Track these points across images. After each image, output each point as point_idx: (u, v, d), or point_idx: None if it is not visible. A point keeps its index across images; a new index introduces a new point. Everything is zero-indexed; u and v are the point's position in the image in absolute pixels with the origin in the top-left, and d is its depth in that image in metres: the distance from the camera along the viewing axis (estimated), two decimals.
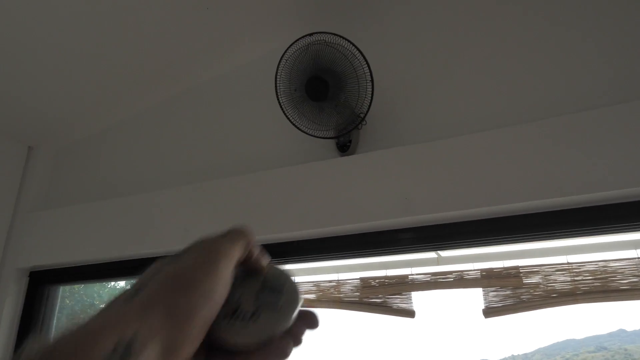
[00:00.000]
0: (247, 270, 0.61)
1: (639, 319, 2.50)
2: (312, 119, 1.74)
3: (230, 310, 0.55)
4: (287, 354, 0.55)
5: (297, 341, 0.57)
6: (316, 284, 3.67)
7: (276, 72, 1.74)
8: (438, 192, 1.61)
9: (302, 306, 0.60)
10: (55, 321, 2.62)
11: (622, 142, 1.46)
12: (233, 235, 0.59)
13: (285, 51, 1.71)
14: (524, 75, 1.73)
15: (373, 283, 3.44)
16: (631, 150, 1.44)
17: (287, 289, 0.61)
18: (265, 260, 0.64)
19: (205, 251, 0.55)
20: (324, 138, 1.75)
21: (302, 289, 3.18)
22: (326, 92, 1.67)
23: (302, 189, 1.81)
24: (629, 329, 2.61)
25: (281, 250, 1.87)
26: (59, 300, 2.57)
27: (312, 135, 1.74)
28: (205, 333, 0.51)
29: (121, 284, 3.02)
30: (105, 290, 2.98)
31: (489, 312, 2.95)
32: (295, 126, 1.74)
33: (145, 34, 2.12)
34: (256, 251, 0.62)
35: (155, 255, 2.25)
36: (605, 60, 1.66)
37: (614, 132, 1.48)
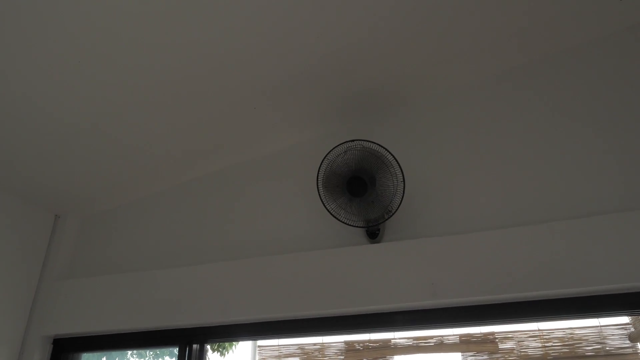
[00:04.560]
0: None
1: None
2: (347, 210, 1.99)
3: None
4: None
5: None
6: (300, 346, 3.79)
7: (318, 171, 1.98)
8: (460, 280, 1.88)
9: None
10: None
11: (619, 245, 1.77)
12: None
13: (328, 153, 1.96)
14: (538, 177, 2.01)
15: (357, 347, 3.62)
16: (622, 251, 1.76)
17: None
18: None
19: None
20: (358, 227, 1.99)
21: (286, 352, 3.27)
22: (365, 189, 1.94)
23: (337, 271, 2.02)
24: None
25: (316, 325, 2.04)
26: None
27: (348, 225, 1.97)
28: None
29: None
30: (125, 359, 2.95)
31: None
32: (336, 217, 1.97)
33: (182, 118, 2.29)
34: None
35: (171, 328, 2.32)
36: (620, 169, 1.91)
37: (618, 235, 1.79)
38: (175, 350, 2.36)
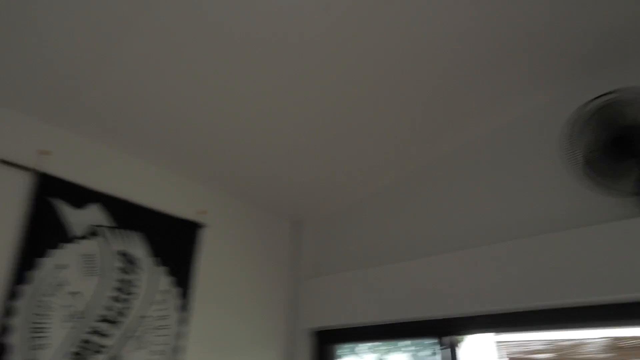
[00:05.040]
0: None
1: None
2: (615, 177, 1.60)
3: None
4: None
5: None
6: (552, 342, 3.32)
7: (570, 137, 1.65)
8: None
9: None
10: None
11: None
12: None
13: (580, 112, 1.61)
14: None
15: (626, 343, 2.99)
16: None
17: None
18: None
19: None
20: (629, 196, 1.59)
21: (533, 348, 2.83)
22: (634, 150, 1.53)
23: (605, 251, 1.67)
24: None
25: (599, 313, 1.75)
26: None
27: (618, 196, 1.59)
28: None
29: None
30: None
31: None
32: (603, 187, 1.61)
33: (410, 98, 2.18)
34: None
35: (425, 319, 2.23)
36: None
37: None
38: (432, 342, 2.35)
